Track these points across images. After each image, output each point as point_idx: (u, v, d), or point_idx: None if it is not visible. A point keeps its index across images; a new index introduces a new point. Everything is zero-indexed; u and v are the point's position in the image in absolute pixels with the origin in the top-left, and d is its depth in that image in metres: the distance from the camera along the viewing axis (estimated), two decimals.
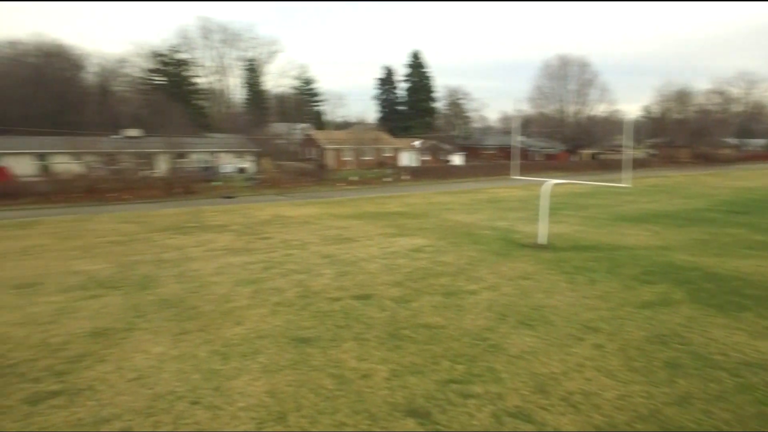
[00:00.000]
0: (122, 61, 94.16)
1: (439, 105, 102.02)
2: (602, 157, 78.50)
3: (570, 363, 7.89)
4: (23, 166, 45.66)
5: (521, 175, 21.49)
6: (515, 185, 42.55)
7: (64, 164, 44.22)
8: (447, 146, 74.61)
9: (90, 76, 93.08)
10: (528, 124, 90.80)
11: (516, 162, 22.91)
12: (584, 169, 67.10)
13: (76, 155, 42.97)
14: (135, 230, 21.85)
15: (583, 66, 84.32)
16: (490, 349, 8.45)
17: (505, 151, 70.69)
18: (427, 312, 10.32)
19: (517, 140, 30.18)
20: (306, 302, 11.01)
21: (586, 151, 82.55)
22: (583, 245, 17.08)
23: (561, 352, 8.29)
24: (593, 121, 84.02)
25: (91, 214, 28.15)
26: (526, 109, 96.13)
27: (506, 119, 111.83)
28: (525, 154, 74.74)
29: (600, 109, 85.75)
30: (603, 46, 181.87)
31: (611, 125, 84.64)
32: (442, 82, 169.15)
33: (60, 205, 34.17)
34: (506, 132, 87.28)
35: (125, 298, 11.69)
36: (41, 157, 48.15)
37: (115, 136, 54.70)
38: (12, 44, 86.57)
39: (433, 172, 57.90)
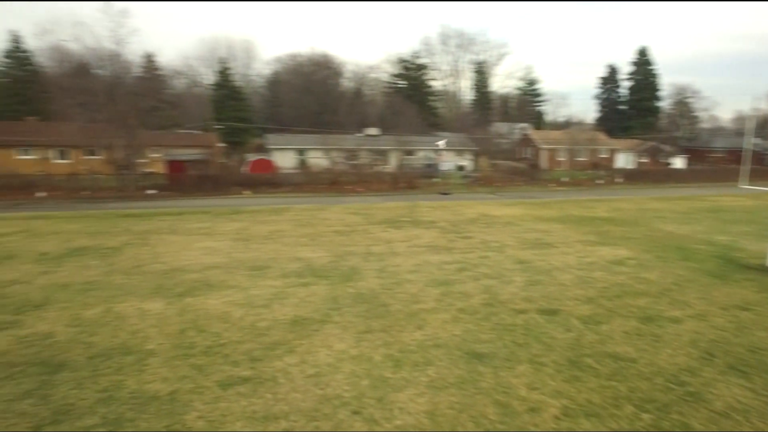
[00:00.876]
0: (373, 68, 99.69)
1: (664, 104, 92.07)
2: None
3: None
4: (286, 160, 50.47)
5: (753, 182, 17.99)
6: (744, 194, 36.39)
7: (317, 159, 48.04)
8: (668, 148, 66.90)
9: (346, 81, 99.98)
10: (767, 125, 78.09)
11: (746, 167, 19.15)
12: None
13: (326, 151, 46.32)
14: (357, 221, 22.59)
15: None
16: (688, 397, 6.82)
17: (735, 155, 61.41)
18: (617, 338, 8.82)
19: (751, 143, 25.45)
20: (489, 311, 10.16)
21: None
22: None
23: None
24: None
25: (328, 204, 29.86)
26: (766, 108, 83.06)
27: (741, 119, 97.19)
28: (760, 158, 64.13)
29: None
30: None
31: None
32: (669, 79, 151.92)
33: (308, 194, 36.87)
34: (740, 133, 75.77)
35: (329, 288, 11.87)
36: (300, 152, 52.95)
37: (357, 135, 57.91)
38: (292, 57, 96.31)
39: (649, 175, 52.16)
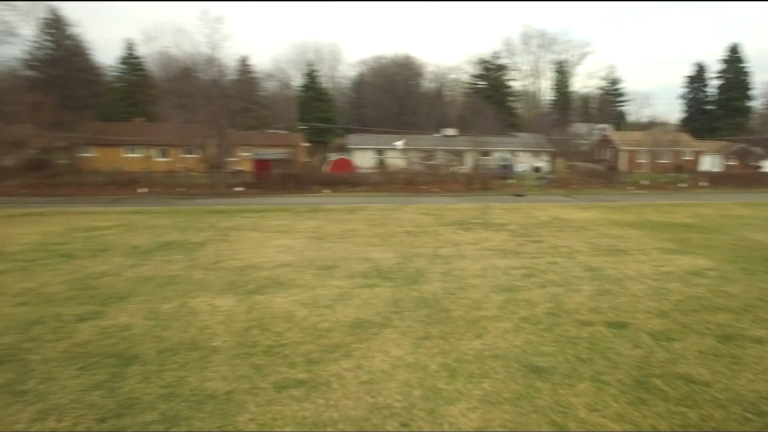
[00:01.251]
0: (453, 69, 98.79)
1: (756, 104, 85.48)
2: None
3: None
4: (365, 160, 50.82)
5: None
6: None
7: (394, 159, 48.04)
8: (758, 150, 62.00)
9: (426, 82, 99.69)
10: None
11: None
12: None
13: (403, 151, 46.25)
14: (428, 222, 22.24)
15: None
16: None
17: None
18: (690, 358, 7.97)
19: None
20: (553, 322, 9.57)
21: None
22: None
23: None
24: None
25: (402, 204, 29.64)
26: None
27: None
28: None
29: None
30: None
31: None
32: (762, 78, 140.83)
33: (384, 194, 36.83)
34: None
35: (393, 291, 11.62)
36: (379, 152, 53.14)
37: (435, 135, 57.42)
38: (377, 59, 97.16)
39: (737, 179, 48.49)
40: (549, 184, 43.16)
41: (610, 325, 9.43)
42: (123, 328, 9.15)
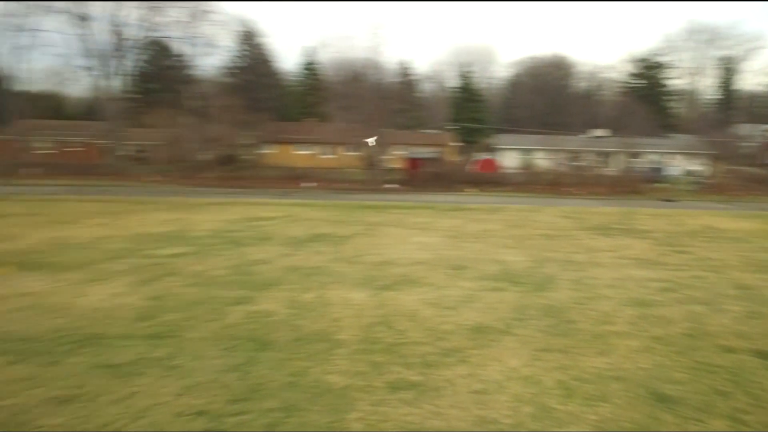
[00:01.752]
0: (608, 68, 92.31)
1: None
2: None
3: None
4: (512, 160, 49.15)
5: None
6: None
7: (540, 159, 45.92)
8: None
9: (579, 82, 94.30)
10: None
11: None
12: None
13: (550, 152, 44.03)
14: (566, 226, 20.80)
15: None
16: None
17: None
18: None
19: None
20: (690, 344, 8.28)
21: None
22: None
23: None
24: None
25: (542, 206, 28.12)
26: None
27: None
28: None
29: None
30: None
31: None
32: None
33: (526, 194, 35.26)
34: None
35: (520, 296, 10.90)
36: (525, 152, 51.08)
37: (582, 135, 53.88)
38: (529, 59, 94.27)
39: None
40: (704, 189, 38.42)
41: (759, 354, 7.94)
42: (266, 314, 9.55)
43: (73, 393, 6.30)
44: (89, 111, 59.88)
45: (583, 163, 41.76)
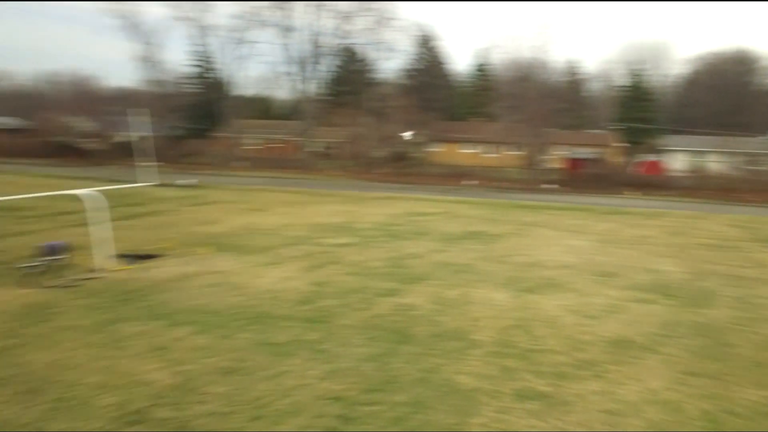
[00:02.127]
0: None
1: None
2: None
3: None
4: (678, 162, 43.38)
5: None
6: None
7: (711, 162, 39.86)
8: None
9: (762, 78, 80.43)
10: None
11: None
12: None
13: (723, 154, 38.06)
14: (735, 236, 17.79)
15: None
16: None
17: None
18: None
19: None
20: None
21: None
22: None
23: None
24: None
25: (710, 213, 24.27)
26: None
27: None
28: None
29: None
30: None
31: None
32: None
33: (692, 200, 30.71)
34: None
35: (670, 310, 9.62)
36: (695, 154, 44.69)
37: (762, 137, 45.53)
38: (706, 55, 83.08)
39: None
40: None
41: None
42: (410, 308, 9.65)
43: (237, 366, 7.00)
44: (291, 112, 65.97)
45: (763, 168, 35.06)
